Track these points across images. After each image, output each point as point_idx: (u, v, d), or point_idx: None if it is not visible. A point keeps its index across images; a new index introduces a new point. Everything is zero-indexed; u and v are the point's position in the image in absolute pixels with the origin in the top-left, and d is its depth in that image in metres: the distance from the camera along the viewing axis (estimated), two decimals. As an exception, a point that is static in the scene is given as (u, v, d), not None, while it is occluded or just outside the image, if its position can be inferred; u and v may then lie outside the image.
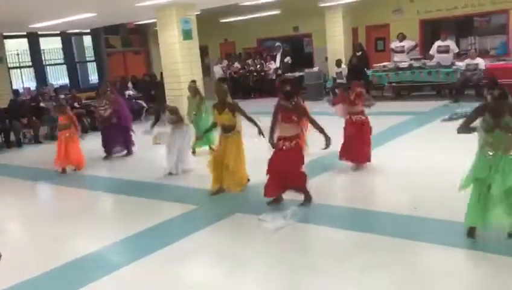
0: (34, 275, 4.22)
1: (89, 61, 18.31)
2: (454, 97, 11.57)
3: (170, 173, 7.22)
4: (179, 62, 9.84)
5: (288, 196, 5.70)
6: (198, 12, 10.68)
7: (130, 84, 15.31)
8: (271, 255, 4.26)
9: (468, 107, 10.09)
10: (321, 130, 5.30)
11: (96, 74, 17.93)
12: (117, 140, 8.99)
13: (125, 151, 9.10)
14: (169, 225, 5.35)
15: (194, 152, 8.23)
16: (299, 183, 5.36)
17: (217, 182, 6.06)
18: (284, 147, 5.25)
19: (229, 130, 5.95)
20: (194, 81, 8.78)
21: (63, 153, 7.95)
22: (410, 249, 4.14)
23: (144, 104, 14.12)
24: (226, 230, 4.98)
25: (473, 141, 4.07)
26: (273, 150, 5.36)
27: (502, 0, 13.06)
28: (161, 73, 12.18)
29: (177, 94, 10.04)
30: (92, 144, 9.47)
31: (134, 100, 13.90)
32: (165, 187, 6.82)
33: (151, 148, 9.61)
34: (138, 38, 19.05)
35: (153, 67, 18.56)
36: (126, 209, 6.15)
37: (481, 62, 11.46)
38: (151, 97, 14.73)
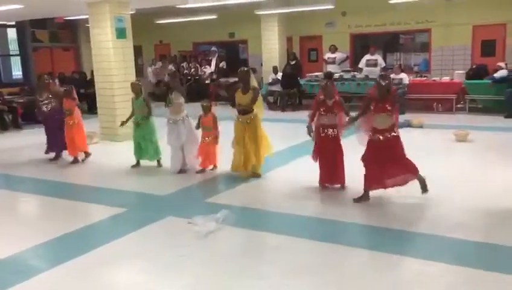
0: None
1: (13, 55, 17.32)
2: (380, 109, 12.16)
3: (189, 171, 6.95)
4: (111, 61, 9.54)
5: (225, 200, 5.71)
6: (133, 12, 10.46)
7: (57, 81, 14.63)
8: (201, 259, 4.24)
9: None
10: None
11: (21, 69, 17.00)
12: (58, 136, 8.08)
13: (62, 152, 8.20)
14: (96, 228, 5.17)
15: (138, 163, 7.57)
16: (412, 171, 5.16)
17: (243, 165, 6.40)
18: (381, 138, 5.11)
19: (247, 112, 6.25)
20: (139, 80, 8.23)
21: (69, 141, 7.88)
22: (335, 252, 4.29)
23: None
24: (155, 234, 4.89)
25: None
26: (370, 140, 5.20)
27: (425, 20, 14.02)
28: (91, 71, 11.77)
29: (108, 94, 9.73)
30: (19, 142, 8.95)
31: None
32: (93, 189, 6.59)
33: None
34: (68, 33, 18.28)
35: (83, 65, 17.86)
36: (50, 211, 5.87)
37: (405, 77, 12.14)
38: (80, 96, 14.20)
